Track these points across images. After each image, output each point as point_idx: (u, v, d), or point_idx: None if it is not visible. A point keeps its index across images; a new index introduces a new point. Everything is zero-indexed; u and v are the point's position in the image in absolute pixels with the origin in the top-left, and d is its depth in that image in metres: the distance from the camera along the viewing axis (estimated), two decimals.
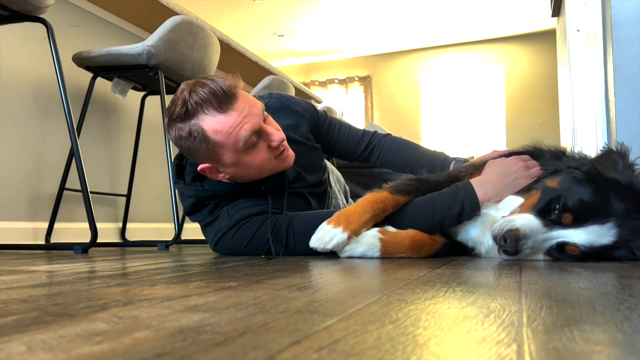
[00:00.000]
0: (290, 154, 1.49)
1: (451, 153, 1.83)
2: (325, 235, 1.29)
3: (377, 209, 1.32)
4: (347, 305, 0.55)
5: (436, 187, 1.40)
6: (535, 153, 1.47)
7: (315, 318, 0.48)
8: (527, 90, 7.48)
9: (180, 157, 1.58)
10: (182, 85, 1.40)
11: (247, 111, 1.38)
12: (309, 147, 1.65)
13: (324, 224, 1.32)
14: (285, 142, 1.47)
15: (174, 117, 1.38)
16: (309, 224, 1.40)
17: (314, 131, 1.71)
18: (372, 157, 1.81)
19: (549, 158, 1.42)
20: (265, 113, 1.45)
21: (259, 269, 1.02)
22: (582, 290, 0.69)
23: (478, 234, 1.35)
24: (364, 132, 1.82)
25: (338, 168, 2.02)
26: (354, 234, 1.29)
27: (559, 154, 1.43)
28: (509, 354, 0.36)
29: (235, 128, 1.36)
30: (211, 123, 1.35)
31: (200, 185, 1.50)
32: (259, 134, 1.40)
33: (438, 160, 1.73)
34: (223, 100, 1.36)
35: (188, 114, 1.36)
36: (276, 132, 1.44)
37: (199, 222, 1.56)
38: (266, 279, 0.81)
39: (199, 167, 1.44)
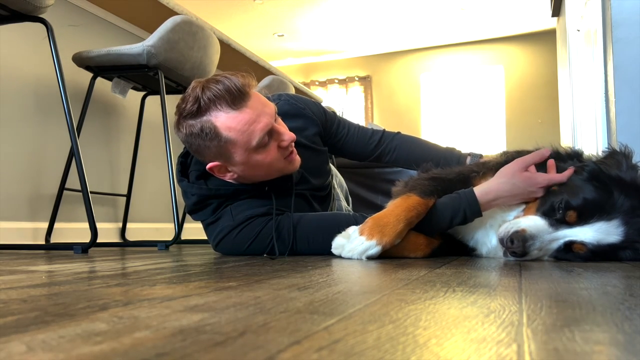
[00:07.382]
0: (297, 157, 1.48)
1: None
2: (358, 247, 1.23)
3: (411, 216, 1.26)
4: (347, 305, 0.55)
5: (450, 186, 1.36)
6: (551, 155, 1.41)
7: (315, 318, 0.48)
8: (527, 90, 7.48)
9: (184, 155, 1.57)
10: (194, 83, 1.39)
11: (260, 110, 1.37)
12: (314, 150, 1.64)
13: (355, 232, 1.25)
14: (293, 144, 1.46)
15: (185, 113, 1.36)
16: (316, 226, 1.39)
17: (322, 134, 1.70)
18: (384, 157, 1.77)
19: (565, 160, 1.37)
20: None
21: (259, 269, 1.02)
22: (582, 290, 0.69)
23: (481, 234, 1.34)
24: (373, 131, 1.79)
25: (338, 168, 2.02)
26: (389, 245, 1.23)
27: (575, 156, 1.39)
28: (509, 354, 0.36)
29: (249, 126, 1.35)
30: (224, 119, 1.34)
31: (204, 183, 1.49)
32: (271, 133, 1.39)
33: (453, 157, 1.71)
34: (237, 97, 1.34)
35: (200, 110, 1.34)
36: (287, 132, 1.43)
37: (201, 222, 1.56)
38: (266, 279, 0.81)
39: (208, 166, 1.42)
